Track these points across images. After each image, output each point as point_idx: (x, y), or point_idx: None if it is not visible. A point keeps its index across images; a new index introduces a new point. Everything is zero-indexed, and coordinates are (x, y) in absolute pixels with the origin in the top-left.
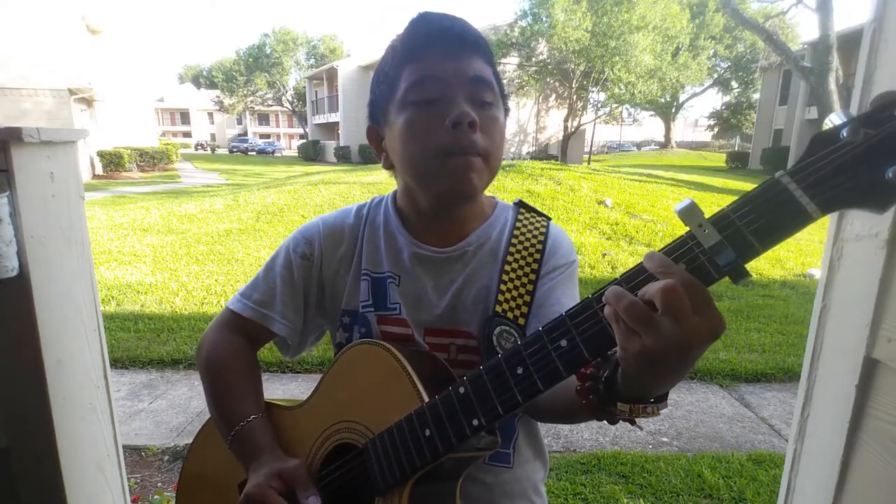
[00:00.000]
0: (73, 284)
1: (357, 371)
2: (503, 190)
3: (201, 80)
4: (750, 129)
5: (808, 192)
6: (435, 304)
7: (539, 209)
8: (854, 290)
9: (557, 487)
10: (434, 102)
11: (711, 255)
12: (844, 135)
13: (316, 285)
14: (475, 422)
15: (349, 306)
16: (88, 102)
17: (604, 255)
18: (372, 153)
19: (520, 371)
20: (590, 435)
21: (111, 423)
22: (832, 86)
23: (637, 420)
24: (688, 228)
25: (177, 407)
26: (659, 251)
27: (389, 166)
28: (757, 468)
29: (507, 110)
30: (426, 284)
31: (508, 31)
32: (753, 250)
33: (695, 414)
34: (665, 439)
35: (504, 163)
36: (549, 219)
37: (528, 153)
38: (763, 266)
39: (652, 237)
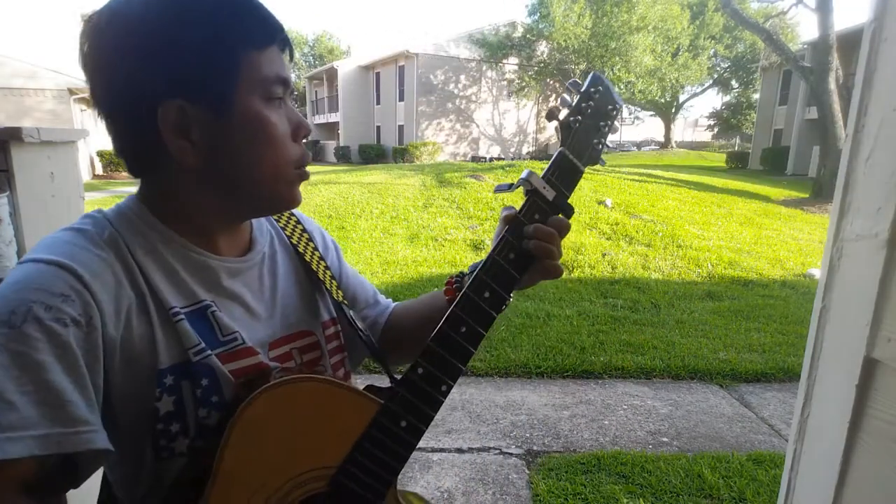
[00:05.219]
0: None
1: (271, 424)
2: None
3: None
4: (750, 129)
5: (575, 157)
6: (266, 315)
7: None
8: (854, 290)
9: (557, 487)
10: (281, 107)
11: (555, 203)
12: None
13: (104, 354)
14: (444, 387)
15: (172, 361)
16: (89, 102)
17: (604, 255)
18: (373, 154)
19: (464, 329)
20: (590, 435)
21: None
22: (832, 86)
23: None
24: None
25: None
26: (519, 209)
27: (191, 163)
28: (757, 468)
29: None
30: (248, 300)
31: (510, 32)
32: (565, 196)
33: (695, 414)
34: (665, 439)
35: (504, 163)
36: None
37: (527, 153)
38: (763, 266)
39: (652, 237)
